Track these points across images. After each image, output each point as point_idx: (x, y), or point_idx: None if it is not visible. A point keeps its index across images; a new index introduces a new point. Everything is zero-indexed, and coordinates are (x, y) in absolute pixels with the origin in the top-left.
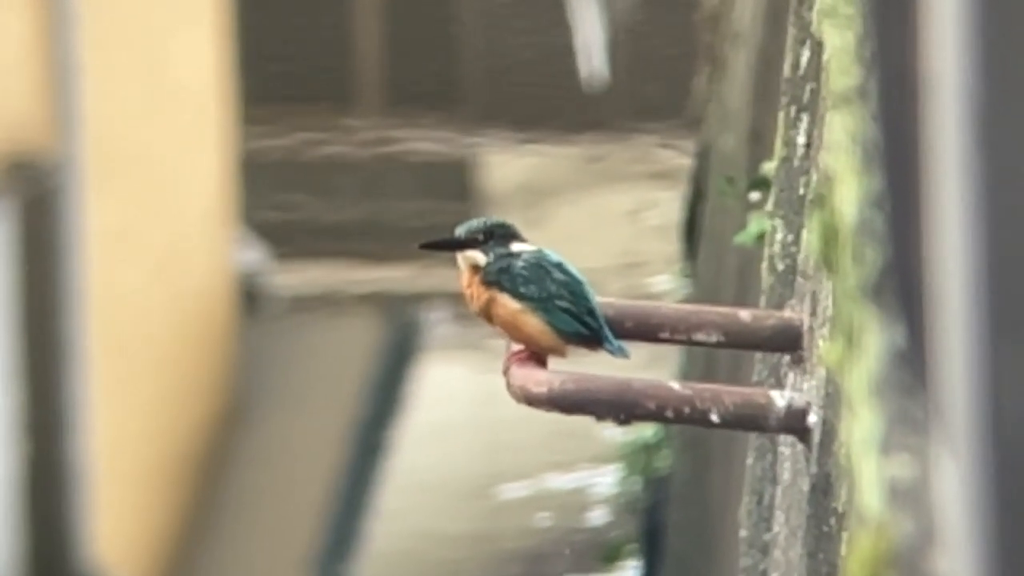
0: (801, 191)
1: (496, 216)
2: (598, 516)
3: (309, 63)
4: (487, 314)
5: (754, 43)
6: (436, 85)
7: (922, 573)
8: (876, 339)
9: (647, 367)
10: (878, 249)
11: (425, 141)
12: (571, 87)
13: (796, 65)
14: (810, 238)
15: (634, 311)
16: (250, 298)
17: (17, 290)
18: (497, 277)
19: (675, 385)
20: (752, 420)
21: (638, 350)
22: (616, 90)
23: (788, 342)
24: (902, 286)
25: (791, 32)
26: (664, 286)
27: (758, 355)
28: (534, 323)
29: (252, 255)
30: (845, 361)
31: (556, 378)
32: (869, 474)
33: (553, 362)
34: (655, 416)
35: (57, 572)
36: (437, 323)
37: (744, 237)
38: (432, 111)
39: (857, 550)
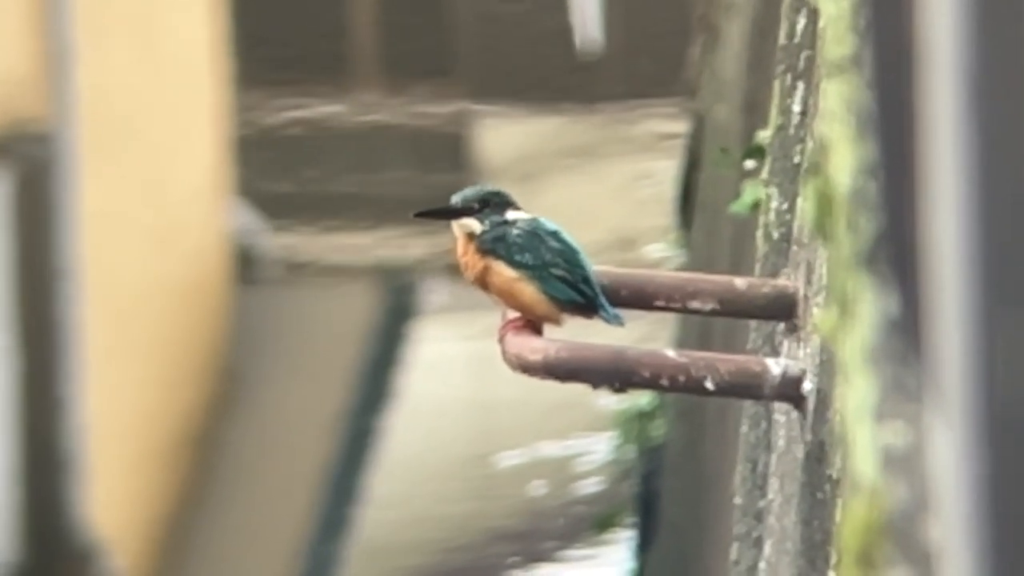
0: (796, 159)
1: (491, 184)
2: (592, 484)
3: (304, 35)
4: (483, 282)
5: (748, 12)
6: (431, 56)
7: (915, 540)
8: (870, 307)
9: (644, 341)
10: (872, 217)
11: (420, 112)
12: (566, 58)
13: (791, 33)
14: (805, 206)
15: (629, 279)
16: (246, 270)
17: (11, 264)
18: (492, 245)
19: (670, 353)
20: (747, 388)
21: (635, 325)
22: (611, 61)
23: (783, 310)
24: (896, 254)
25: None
26: (659, 255)
27: (753, 323)
28: (529, 291)
29: (248, 227)
30: (839, 329)
31: (551, 346)
32: (863, 441)
33: (549, 330)
34: (650, 384)
35: (53, 549)
36: (432, 292)
37: (739, 206)
38: (427, 82)
39: (851, 517)
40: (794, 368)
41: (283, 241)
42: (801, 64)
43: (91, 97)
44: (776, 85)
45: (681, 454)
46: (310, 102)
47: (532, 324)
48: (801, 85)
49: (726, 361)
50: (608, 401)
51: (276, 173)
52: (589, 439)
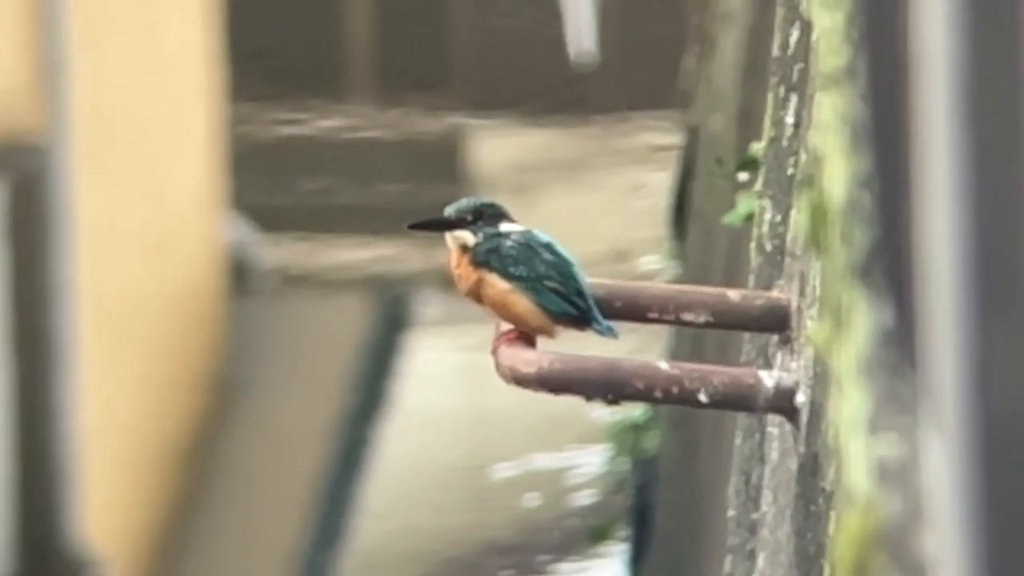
0: (790, 171)
1: (485, 196)
2: (586, 496)
3: (299, 44)
4: (476, 294)
5: (743, 23)
6: (426, 67)
7: (910, 552)
8: (864, 319)
9: (637, 353)
10: (866, 229)
11: (415, 125)
12: (561, 69)
13: (785, 45)
14: (799, 218)
15: (623, 291)
16: (240, 280)
17: (6, 275)
18: (486, 257)
19: (663, 365)
20: (740, 400)
21: (629, 337)
22: (606, 71)
23: (776, 322)
24: (890, 266)
25: (780, 12)
26: (653, 267)
27: (746, 335)
28: (523, 303)
29: (242, 239)
30: (833, 341)
31: (545, 358)
32: (857, 454)
33: (542, 343)
34: (643, 396)
35: (47, 560)
36: (426, 304)
37: (733, 217)
38: (422, 93)
39: (845, 529)
40: (787, 380)
41: (278, 253)
42: (795, 76)
43: (86, 109)
44: (770, 97)
45: (675, 466)
46: (305, 115)
47: (525, 336)
48: (794, 97)
49: (719, 373)
50: (602, 413)
51: (271, 185)
52: (583, 451)
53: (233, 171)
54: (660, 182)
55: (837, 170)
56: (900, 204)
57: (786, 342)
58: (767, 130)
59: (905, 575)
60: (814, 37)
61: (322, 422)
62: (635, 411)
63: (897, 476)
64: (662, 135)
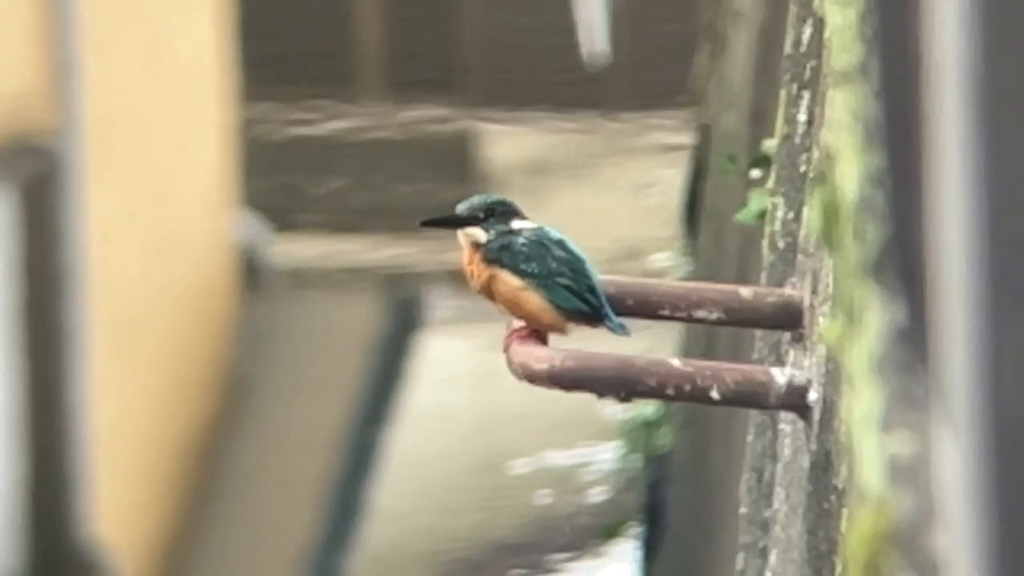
0: (802, 168)
1: (497, 194)
2: (599, 494)
3: (310, 42)
4: (488, 291)
5: (755, 21)
6: (437, 65)
7: (922, 550)
8: (877, 316)
9: (650, 351)
10: (879, 226)
11: (426, 121)
12: (573, 66)
13: (797, 42)
14: (811, 216)
15: (635, 288)
16: (251, 277)
17: (17, 272)
18: (498, 254)
19: (676, 362)
20: (752, 397)
21: (641, 334)
22: (618, 69)
23: (789, 319)
24: (903, 263)
25: (792, 9)
26: (665, 264)
27: (758, 333)
28: (535, 300)
29: (253, 238)
30: (846, 338)
31: (557, 355)
32: (869, 451)
33: (554, 340)
34: (656, 393)
35: (57, 561)
36: (438, 303)
37: (745, 215)
38: (433, 91)
39: (857, 527)
40: (800, 377)
41: (289, 253)
42: (807, 74)
43: (97, 110)
44: (782, 95)
45: (687, 463)
46: (317, 116)
47: (537, 333)
48: (807, 95)
49: (731, 370)
50: (614, 410)
51: (282, 186)
52: (595, 448)
53: (245, 172)
54: (672, 180)
55: (850, 167)
56: (913, 201)
57: (798, 339)
58: (779, 127)
59: (917, 573)
60: (827, 34)
61: (333, 422)
62: (647, 408)
63: (909, 474)
64: (674, 133)
